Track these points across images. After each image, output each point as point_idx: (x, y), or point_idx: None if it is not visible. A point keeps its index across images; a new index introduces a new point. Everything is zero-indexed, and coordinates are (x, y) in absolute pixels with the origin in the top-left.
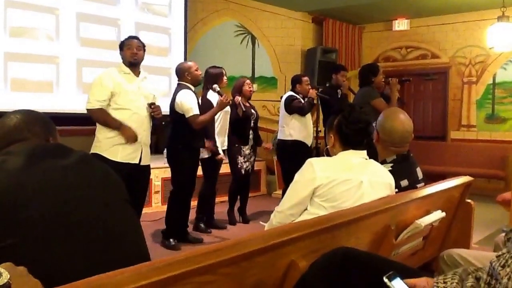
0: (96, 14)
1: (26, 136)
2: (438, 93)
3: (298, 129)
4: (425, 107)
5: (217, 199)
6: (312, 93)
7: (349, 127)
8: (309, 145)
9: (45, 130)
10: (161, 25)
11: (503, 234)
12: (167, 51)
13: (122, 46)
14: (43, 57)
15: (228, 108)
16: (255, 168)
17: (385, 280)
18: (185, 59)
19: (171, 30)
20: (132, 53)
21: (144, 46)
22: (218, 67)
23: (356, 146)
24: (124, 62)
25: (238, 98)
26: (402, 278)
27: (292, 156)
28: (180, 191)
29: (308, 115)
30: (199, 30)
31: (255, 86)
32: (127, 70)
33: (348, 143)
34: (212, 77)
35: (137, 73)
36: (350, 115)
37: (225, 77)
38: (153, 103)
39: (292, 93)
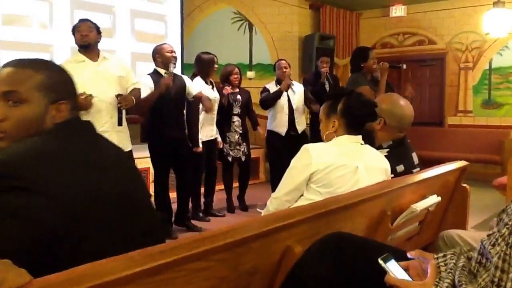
0: (91, 1)
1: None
2: (435, 79)
3: (272, 119)
4: (422, 93)
5: (216, 187)
6: (286, 76)
7: (362, 110)
8: (283, 135)
9: None
10: (157, 12)
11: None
12: (163, 39)
13: (73, 31)
14: (37, 45)
15: (215, 97)
16: (252, 156)
17: (380, 262)
18: (182, 46)
19: (167, 17)
20: (81, 35)
21: (97, 27)
22: (210, 54)
23: (361, 130)
24: (79, 50)
25: (228, 89)
26: (396, 261)
27: (268, 145)
28: (156, 182)
29: (283, 104)
30: (195, 17)
31: (252, 73)
32: (81, 57)
33: (355, 127)
34: (203, 64)
35: (94, 57)
36: (359, 98)
37: (216, 65)
38: (119, 94)
39: (269, 84)
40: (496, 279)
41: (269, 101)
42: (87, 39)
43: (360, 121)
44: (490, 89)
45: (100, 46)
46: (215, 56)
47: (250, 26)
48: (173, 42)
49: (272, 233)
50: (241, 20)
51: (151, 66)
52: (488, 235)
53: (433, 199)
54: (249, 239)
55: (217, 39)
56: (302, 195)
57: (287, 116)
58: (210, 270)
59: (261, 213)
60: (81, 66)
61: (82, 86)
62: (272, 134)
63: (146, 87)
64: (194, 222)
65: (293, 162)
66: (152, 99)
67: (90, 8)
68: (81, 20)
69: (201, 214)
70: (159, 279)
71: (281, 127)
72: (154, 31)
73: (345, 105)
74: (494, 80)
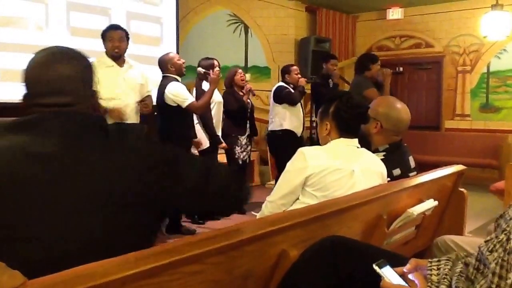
0: (87, 3)
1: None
2: (432, 82)
3: (289, 118)
4: (419, 97)
5: None
6: (302, 81)
7: (349, 112)
8: (299, 135)
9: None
10: (152, 14)
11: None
12: (158, 41)
13: (104, 36)
14: (33, 47)
15: (221, 99)
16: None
17: (375, 267)
18: (177, 48)
19: (162, 19)
20: (113, 46)
21: (127, 34)
22: (210, 58)
23: (354, 133)
24: (106, 53)
25: (248, 86)
26: (392, 266)
27: (284, 145)
28: None
29: (299, 105)
30: (191, 19)
31: (248, 76)
32: (110, 63)
33: (346, 129)
34: (204, 69)
35: (121, 63)
36: (349, 101)
37: (217, 68)
38: (142, 100)
39: (282, 83)
40: (493, 285)
41: (298, 96)
42: (119, 50)
43: (349, 123)
44: (488, 92)
45: (97, 47)
46: (215, 60)
47: (246, 28)
48: (169, 45)
49: (267, 237)
50: (237, 22)
51: (146, 68)
52: (486, 241)
53: (430, 203)
54: (244, 242)
55: (213, 41)
56: (297, 198)
57: (302, 116)
58: (204, 274)
59: (256, 216)
60: (110, 71)
61: (109, 90)
62: (290, 134)
63: (186, 92)
64: (187, 224)
65: (289, 165)
66: (211, 96)
67: (86, 10)
68: (113, 27)
69: (195, 217)
70: (153, 282)
71: (300, 127)
72: (150, 33)
73: (335, 107)
74: (492, 84)
